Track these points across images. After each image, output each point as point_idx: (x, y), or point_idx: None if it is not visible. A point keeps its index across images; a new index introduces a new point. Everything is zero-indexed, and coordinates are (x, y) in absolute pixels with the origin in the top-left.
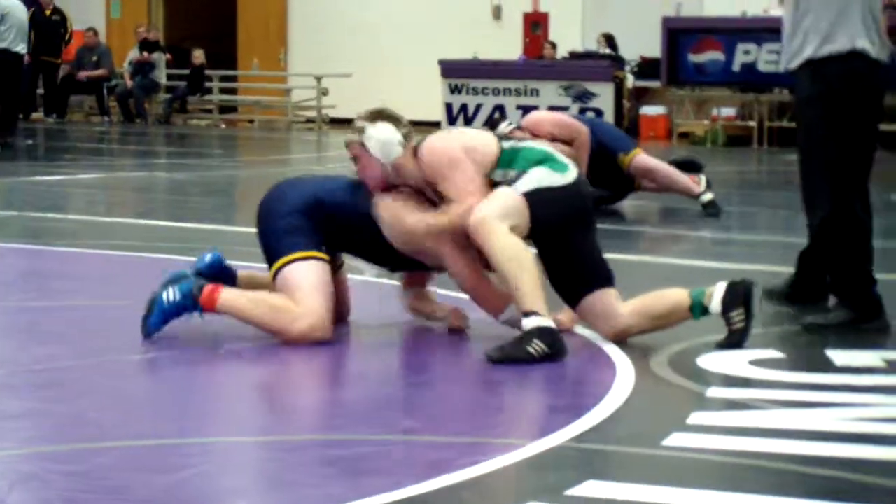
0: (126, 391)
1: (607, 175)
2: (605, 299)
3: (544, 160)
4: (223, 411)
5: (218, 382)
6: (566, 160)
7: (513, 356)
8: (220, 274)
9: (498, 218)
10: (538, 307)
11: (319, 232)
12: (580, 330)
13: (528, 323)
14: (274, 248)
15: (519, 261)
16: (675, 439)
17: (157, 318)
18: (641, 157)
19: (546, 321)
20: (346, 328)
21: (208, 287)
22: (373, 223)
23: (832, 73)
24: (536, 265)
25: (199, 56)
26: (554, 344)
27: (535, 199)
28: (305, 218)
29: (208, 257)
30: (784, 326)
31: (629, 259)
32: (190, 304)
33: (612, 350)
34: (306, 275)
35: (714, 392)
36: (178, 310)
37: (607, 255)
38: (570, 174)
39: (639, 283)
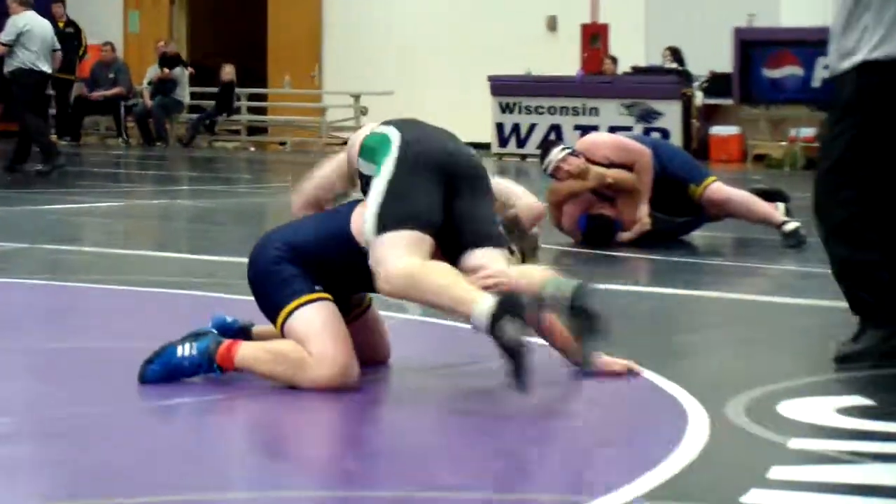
0: (146, 440)
1: (675, 203)
2: (486, 255)
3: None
4: (249, 463)
5: (242, 431)
6: (386, 134)
7: (513, 366)
8: (233, 332)
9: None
10: (472, 296)
11: (311, 274)
12: (648, 374)
13: (478, 319)
14: (273, 303)
15: (436, 283)
16: (755, 496)
17: (159, 368)
18: (715, 188)
19: (484, 298)
20: (384, 371)
21: (225, 343)
22: (349, 256)
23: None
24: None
25: (228, 72)
26: (511, 309)
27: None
28: (292, 265)
29: (210, 324)
30: (869, 371)
31: (701, 294)
32: (206, 362)
33: (683, 396)
34: (311, 320)
35: (797, 443)
36: (191, 367)
37: (677, 290)
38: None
39: (710, 320)
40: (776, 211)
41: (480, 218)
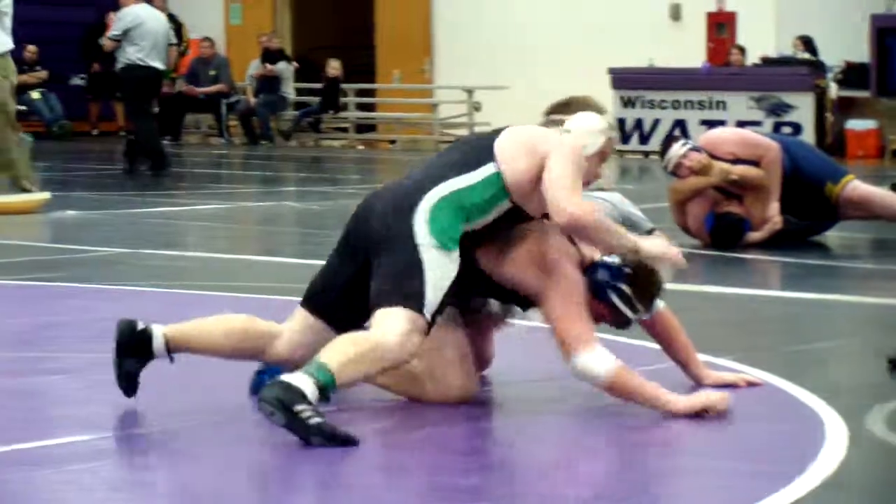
0: (250, 458)
1: (807, 203)
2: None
3: None
4: (368, 478)
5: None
6: None
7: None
8: None
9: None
10: None
11: None
12: (782, 383)
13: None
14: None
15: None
16: None
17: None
18: (853, 186)
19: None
20: (492, 382)
21: None
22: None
23: None
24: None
25: (334, 67)
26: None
27: None
28: None
29: None
30: None
31: (837, 299)
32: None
33: (820, 406)
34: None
35: None
36: None
37: (811, 294)
38: None
39: (847, 327)
40: None
41: (377, 276)
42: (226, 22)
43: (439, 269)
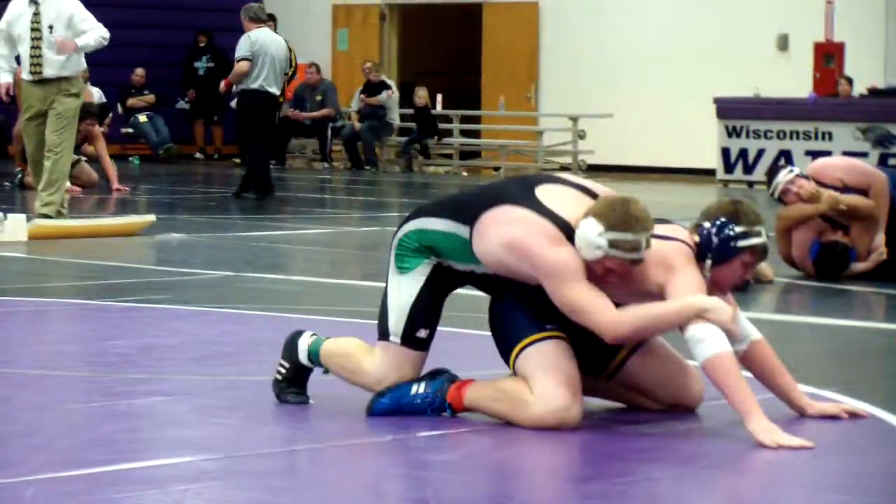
0: (364, 479)
1: None
2: None
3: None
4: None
5: (457, 469)
6: None
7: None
8: None
9: None
10: None
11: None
12: (886, 417)
13: None
14: (506, 341)
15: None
16: None
17: (388, 402)
18: None
19: None
20: (614, 412)
21: (456, 383)
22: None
23: None
24: None
25: (422, 97)
26: None
27: None
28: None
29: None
30: None
31: None
32: (438, 400)
33: None
34: (536, 357)
35: None
36: (423, 404)
37: None
38: None
39: None
40: None
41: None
42: (333, 47)
43: (394, 293)
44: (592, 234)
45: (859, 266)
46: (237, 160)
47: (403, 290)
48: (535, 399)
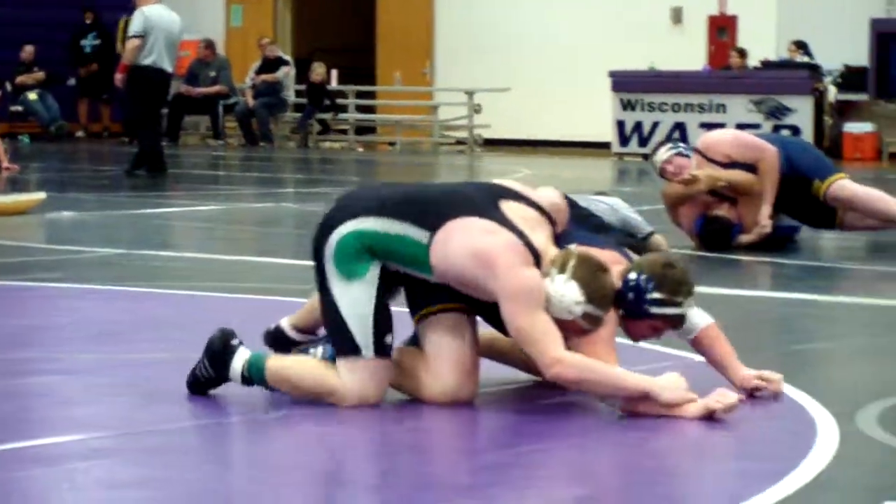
0: (254, 455)
1: (802, 205)
2: None
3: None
4: (365, 477)
5: (355, 443)
6: None
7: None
8: None
9: None
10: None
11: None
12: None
13: None
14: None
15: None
16: None
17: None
18: (840, 185)
19: None
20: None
21: None
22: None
23: None
24: None
25: (319, 73)
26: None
27: None
28: None
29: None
30: None
31: (830, 300)
32: None
33: (813, 406)
34: (434, 332)
35: None
36: None
37: (806, 295)
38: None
39: (840, 327)
40: None
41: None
42: (227, 23)
43: (347, 304)
44: (570, 301)
45: (744, 238)
46: (126, 139)
47: (359, 298)
48: (430, 380)
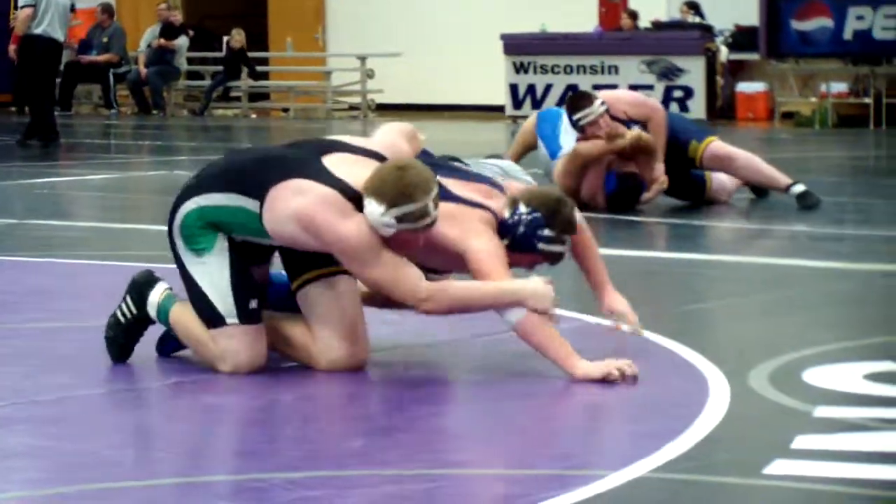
0: (144, 424)
1: (675, 174)
2: None
3: None
4: (253, 444)
5: (246, 411)
6: None
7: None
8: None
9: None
10: None
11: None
12: (668, 343)
13: None
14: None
15: None
16: (778, 467)
17: (175, 342)
18: (718, 145)
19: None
20: (393, 347)
21: None
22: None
23: None
24: None
25: (238, 39)
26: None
27: None
28: None
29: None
30: None
31: (722, 259)
32: None
33: (705, 366)
34: (321, 301)
35: (822, 412)
36: None
37: (699, 255)
38: None
39: (734, 286)
40: (782, 174)
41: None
42: None
43: (205, 279)
44: (376, 216)
45: (645, 196)
46: (16, 108)
47: (213, 269)
48: (318, 352)
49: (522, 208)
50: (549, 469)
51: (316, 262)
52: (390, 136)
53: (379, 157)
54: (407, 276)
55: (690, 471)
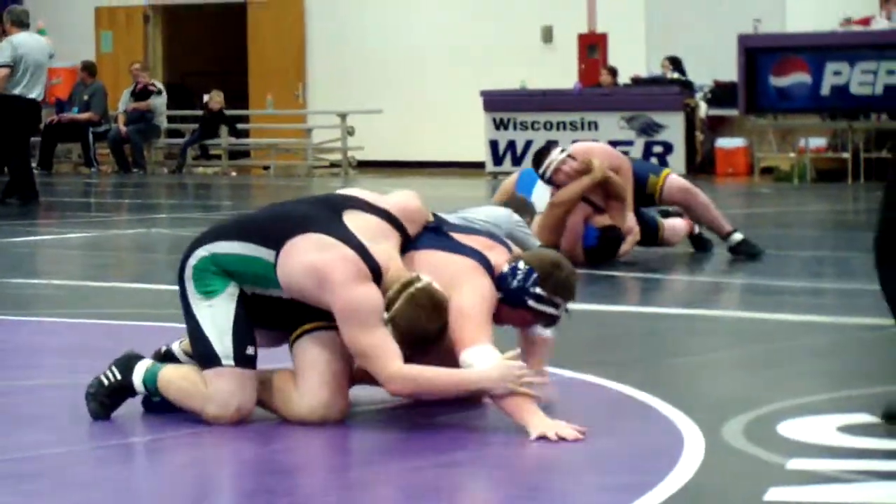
0: (121, 481)
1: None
2: None
3: None
4: (230, 499)
5: (223, 465)
6: None
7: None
8: None
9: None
10: None
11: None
12: (641, 396)
13: None
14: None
15: None
16: None
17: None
18: (675, 177)
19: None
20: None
21: None
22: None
23: None
24: None
25: (217, 101)
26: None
27: None
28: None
29: None
30: (879, 387)
31: (701, 314)
32: None
33: (680, 418)
34: (302, 352)
35: (796, 463)
36: None
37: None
38: None
39: (711, 340)
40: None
41: None
42: (97, 49)
43: (208, 321)
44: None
45: (622, 248)
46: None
47: (218, 312)
48: (299, 397)
49: (520, 265)
50: None
51: (311, 316)
52: (405, 199)
53: (396, 223)
54: (388, 353)
55: None
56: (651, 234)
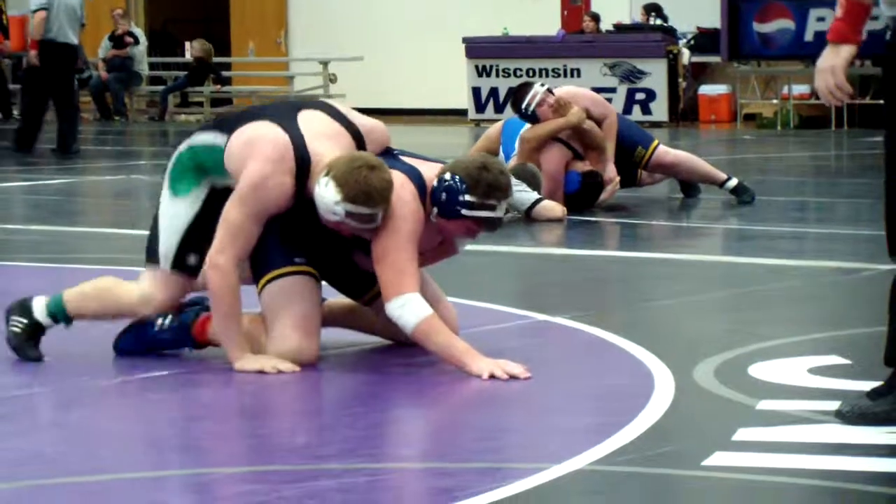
0: (90, 421)
1: (619, 167)
2: None
3: None
4: (199, 440)
5: (192, 409)
6: None
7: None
8: None
9: None
10: None
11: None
12: (613, 339)
13: None
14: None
15: None
16: (718, 459)
17: (133, 339)
18: (662, 150)
19: None
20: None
21: (202, 317)
22: None
23: None
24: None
25: (198, 49)
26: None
27: None
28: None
29: None
30: (850, 330)
31: (676, 258)
32: (183, 335)
33: (651, 361)
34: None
35: (765, 405)
36: (171, 340)
37: (650, 254)
38: None
39: (686, 285)
40: (717, 170)
41: None
42: None
43: (167, 217)
44: (329, 200)
45: (602, 196)
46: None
47: (178, 213)
48: (270, 342)
49: (446, 176)
50: (488, 462)
51: (282, 261)
52: (377, 124)
53: (353, 130)
54: (230, 236)
55: (630, 463)
56: (631, 177)
